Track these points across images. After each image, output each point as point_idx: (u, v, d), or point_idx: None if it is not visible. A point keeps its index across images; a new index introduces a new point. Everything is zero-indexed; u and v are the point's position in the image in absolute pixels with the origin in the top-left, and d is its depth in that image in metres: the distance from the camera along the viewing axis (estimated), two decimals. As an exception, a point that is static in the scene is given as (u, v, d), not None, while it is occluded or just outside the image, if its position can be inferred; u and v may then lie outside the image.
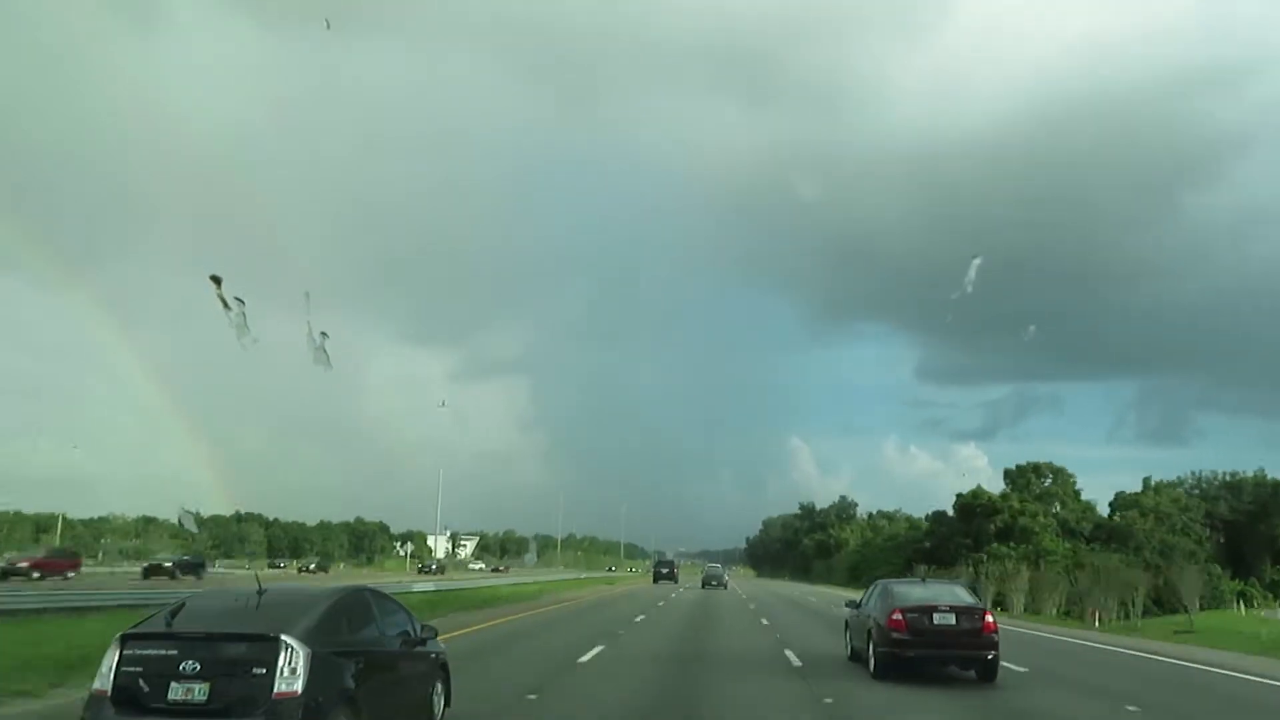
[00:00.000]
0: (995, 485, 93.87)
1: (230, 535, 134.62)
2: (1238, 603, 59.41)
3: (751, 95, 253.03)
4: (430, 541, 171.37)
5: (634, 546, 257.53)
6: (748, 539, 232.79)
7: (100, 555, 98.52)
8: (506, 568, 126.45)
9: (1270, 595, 70.81)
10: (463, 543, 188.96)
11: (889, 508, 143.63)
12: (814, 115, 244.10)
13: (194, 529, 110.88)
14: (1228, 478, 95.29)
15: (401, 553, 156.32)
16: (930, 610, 14.82)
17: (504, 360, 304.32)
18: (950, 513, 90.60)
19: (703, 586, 62.60)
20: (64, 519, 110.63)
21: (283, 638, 7.29)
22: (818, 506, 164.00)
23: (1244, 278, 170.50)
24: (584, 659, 17.18)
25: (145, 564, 58.31)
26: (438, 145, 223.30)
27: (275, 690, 7.12)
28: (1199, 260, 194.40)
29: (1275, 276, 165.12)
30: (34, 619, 21.08)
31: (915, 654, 14.68)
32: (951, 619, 14.74)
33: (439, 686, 10.11)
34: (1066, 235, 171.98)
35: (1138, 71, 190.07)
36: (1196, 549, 76.02)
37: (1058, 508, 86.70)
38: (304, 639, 7.40)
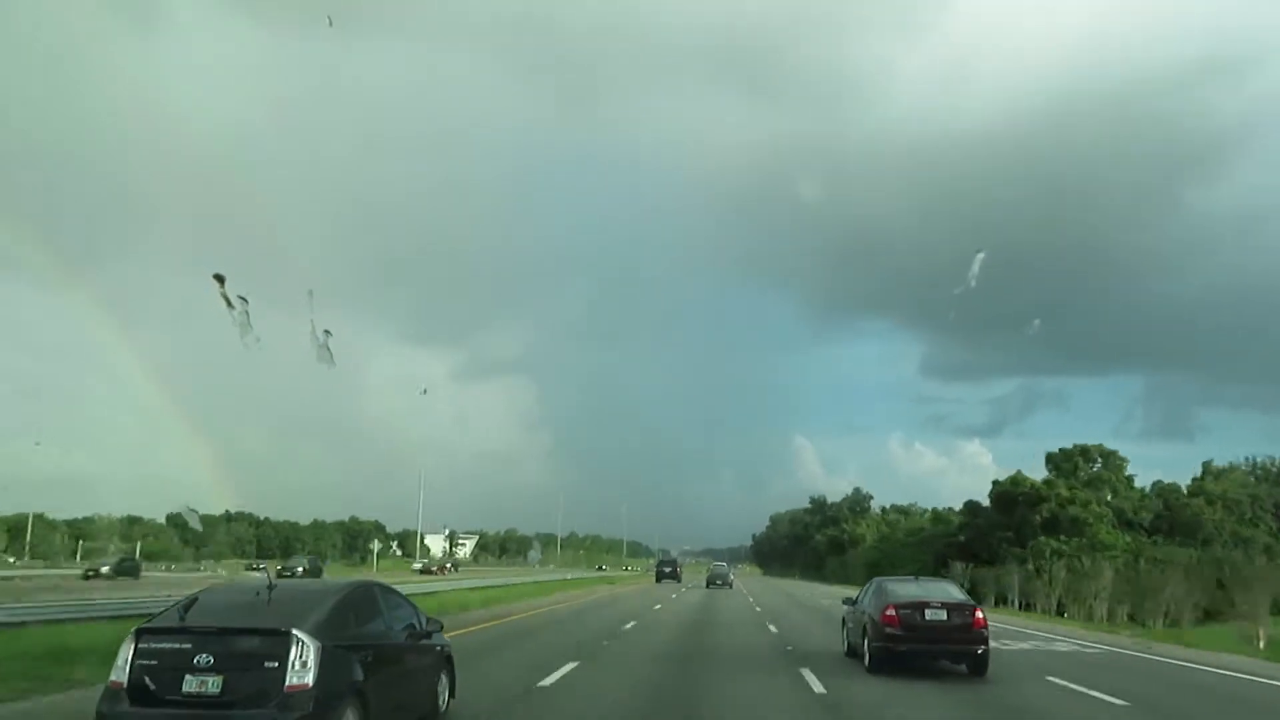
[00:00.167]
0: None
1: (218, 535, 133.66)
2: None
3: (751, 92, 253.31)
4: (427, 541, 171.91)
5: (637, 545, 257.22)
6: (754, 536, 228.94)
7: (77, 557, 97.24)
8: (444, 568, 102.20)
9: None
10: (461, 542, 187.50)
11: (896, 504, 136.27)
12: (814, 111, 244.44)
13: (198, 526, 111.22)
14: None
15: (398, 552, 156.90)
16: (922, 606, 15.33)
17: (505, 360, 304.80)
18: (985, 503, 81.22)
19: (707, 586, 60.91)
20: (36, 519, 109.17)
21: (294, 632, 7.55)
22: (829, 500, 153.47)
23: (1247, 272, 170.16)
24: (547, 681, 13.69)
25: (86, 567, 63.56)
26: (437, 145, 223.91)
27: (287, 683, 7.38)
28: (1202, 254, 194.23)
29: (1278, 271, 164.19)
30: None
31: (908, 648, 15.18)
32: (943, 615, 15.25)
33: (444, 679, 10.42)
34: (1069, 229, 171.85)
35: (1139, 64, 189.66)
36: (1273, 542, 68.69)
37: (1109, 496, 76.82)
38: (314, 633, 7.67)
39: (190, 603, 8.33)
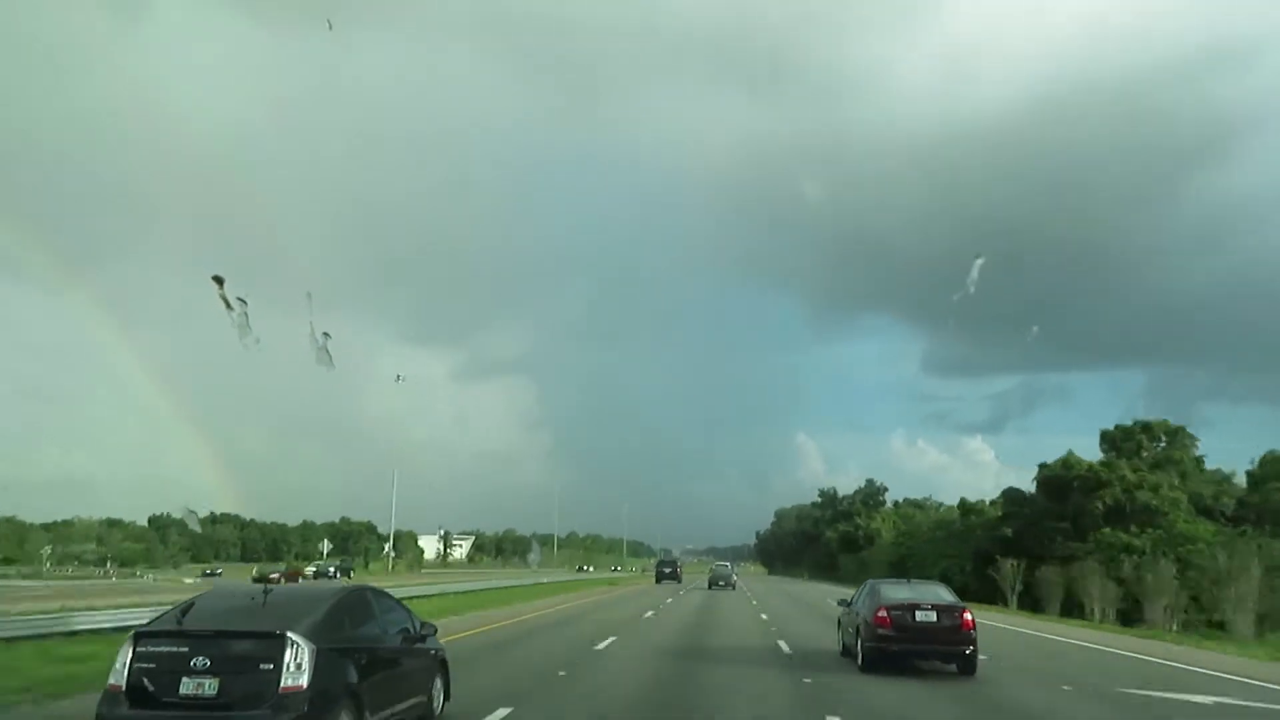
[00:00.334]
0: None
1: (202, 538, 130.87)
2: None
3: (751, 88, 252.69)
4: (421, 542, 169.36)
5: (639, 544, 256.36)
6: (757, 533, 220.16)
7: (46, 562, 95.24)
8: (339, 572, 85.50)
9: None
10: (456, 543, 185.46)
11: (909, 498, 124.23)
12: (814, 106, 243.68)
13: (197, 528, 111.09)
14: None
15: (391, 553, 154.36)
16: (913, 608, 15.75)
17: (505, 360, 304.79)
18: (1028, 490, 70.86)
19: (709, 587, 58.78)
20: (4, 522, 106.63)
21: (288, 635, 7.74)
22: (840, 493, 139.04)
23: (1251, 264, 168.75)
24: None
25: None
26: (436, 144, 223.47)
27: (282, 685, 7.57)
28: (1206, 247, 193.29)
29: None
30: None
31: (899, 648, 15.65)
32: (933, 616, 15.68)
33: (439, 682, 10.60)
34: (1071, 223, 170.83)
35: (1139, 55, 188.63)
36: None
37: (1177, 479, 65.38)
38: (309, 635, 7.86)
39: (188, 606, 8.53)
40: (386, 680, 9.15)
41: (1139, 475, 61.79)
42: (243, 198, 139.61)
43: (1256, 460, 65.17)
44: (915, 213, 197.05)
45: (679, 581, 69.67)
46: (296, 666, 7.63)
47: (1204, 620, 38.91)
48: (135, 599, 33.67)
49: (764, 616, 32.07)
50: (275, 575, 70.06)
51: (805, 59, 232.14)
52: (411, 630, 10.06)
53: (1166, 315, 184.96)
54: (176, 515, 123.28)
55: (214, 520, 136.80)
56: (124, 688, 7.67)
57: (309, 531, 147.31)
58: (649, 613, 32.86)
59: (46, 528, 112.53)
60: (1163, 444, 69.29)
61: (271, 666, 7.61)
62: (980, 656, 16.09)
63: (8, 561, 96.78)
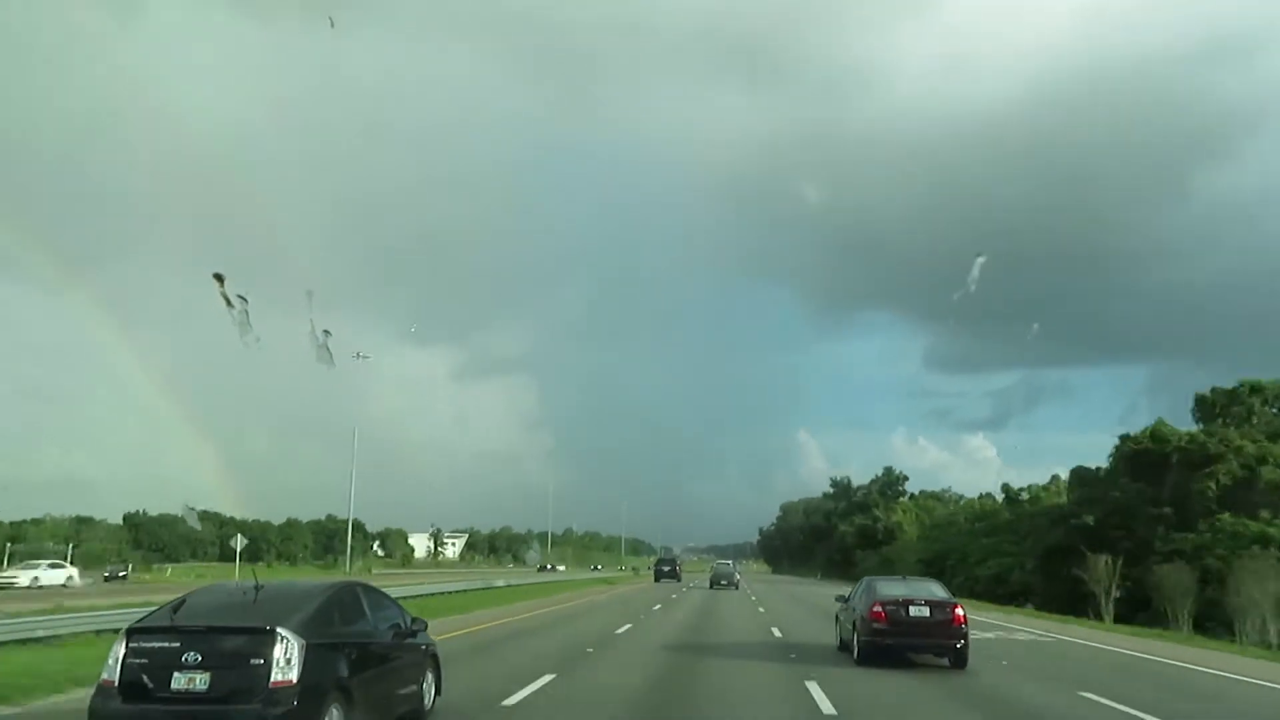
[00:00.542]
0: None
1: (175, 535, 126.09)
2: None
3: (751, 84, 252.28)
4: (411, 540, 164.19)
5: (640, 542, 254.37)
6: (760, 530, 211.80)
7: (4, 562, 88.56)
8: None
9: None
10: (448, 541, 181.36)
11: (925, 490, 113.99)
12: (814, 101, 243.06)
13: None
14: None
15: (379, 552, 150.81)
16: (907, 604, 16.20)
17: (505, 359, 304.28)
18: (1104, 469, 58.12)
19: (711, 587, 55.52)
20: None
21: (278, 630, 7.86)
22: (854, 483, 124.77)
23: (1255, 258, 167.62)
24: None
25: None
26: (434, 141, 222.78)
27: (272, 679, 7.68)
28: (1209, 241, 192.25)
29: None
30: None
31: (893, 642, 16.08)
32: (926, 612, 16.11)
33: (430, 677, 10.71)
34: (1072, 217, 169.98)
35: (1142, 46, 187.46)
36: None
37: None
38: (298, 631, 7.97)
39: (180, 603, 8.67)
40: (377, 675, 9.26)
41: (1259, 446, 49.75)
42: (242, 197, 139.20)
43: None
44: (915, 208, 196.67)
45: (678, 580, 68.35)
46: (286, 661, 7.75)
47: None
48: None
49: (777, 633, 23.71)
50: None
51: (805, 54, 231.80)
52: (402, 626, 10.17)
53: (1171, 309, 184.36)
54: (153, 513, 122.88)
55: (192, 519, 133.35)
56: (116, 683, 7.79)
57: (292, 530, 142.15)
58: (625, 626, 24.85)
59: (14, 525, 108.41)
60: (1276, 410, 56.52)
61: (262, 661, 7.72)
62: None
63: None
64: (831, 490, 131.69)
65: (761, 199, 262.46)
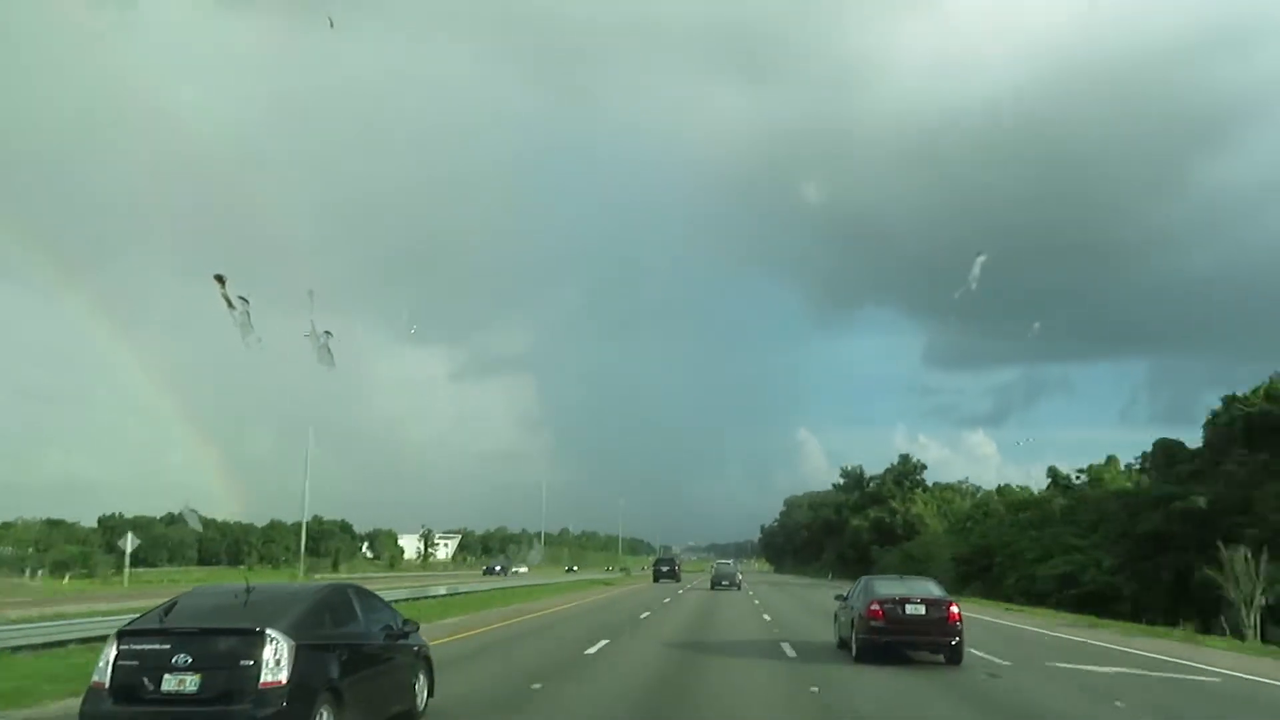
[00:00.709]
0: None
1: (152, 539, 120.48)
2: None
3: (750, 77, 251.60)
4: (401, 541, 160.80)
5: (639, 542, 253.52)
6: (762, 527, 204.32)
7: None
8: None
9: None
10: (438, 542, 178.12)
11: (939, 482, 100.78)
12: (814, 94, 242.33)
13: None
14: None
15: (368, 554, 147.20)
16: (904, 602, 16.54)
17: (504, 357, 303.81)
18: (1197, 440, 47.73)
19: (711, 587, 53.33)
20: None
21: (268, 631, 7.89)
22: (866, 472, 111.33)
23: (1256, 249, 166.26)
24: None
25: None
26: (431, 139, 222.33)
27: (262, 680, 7.72)
28: (1210, 232, 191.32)
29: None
30: None
31: (890, 639, 16.40)
32: (922, 609, 16.42)
33: (422, 677, 10.71)
34: (1074, 209, 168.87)
35: (1142, 37, 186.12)
36: None
37: None
38: (288, 632, 8.00)
39: (171, 605, 8.69)
40: (368, 676, 9.29)
41: None
42: (241, 197, 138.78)
43: None
44: (915, 201, 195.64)
45: (677, 581, 66.95)
46: (276, 662, 7.78)
47: None
48: None
49: (789, 652, 18.54)
50: None
51: (805, 48, 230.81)
52: (394, 627, 10.19)
53: (1172, 302, 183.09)
54: (126, 517, 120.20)
55: (170, 521, 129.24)
56: (107, 685, 7.82)
57: (275, 532, 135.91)
58: (596, 646, 19.02)
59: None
60: None
61: (252, 663, 7.75)
62: None
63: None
64: (842, 481, 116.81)
65: (761, 194, 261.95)
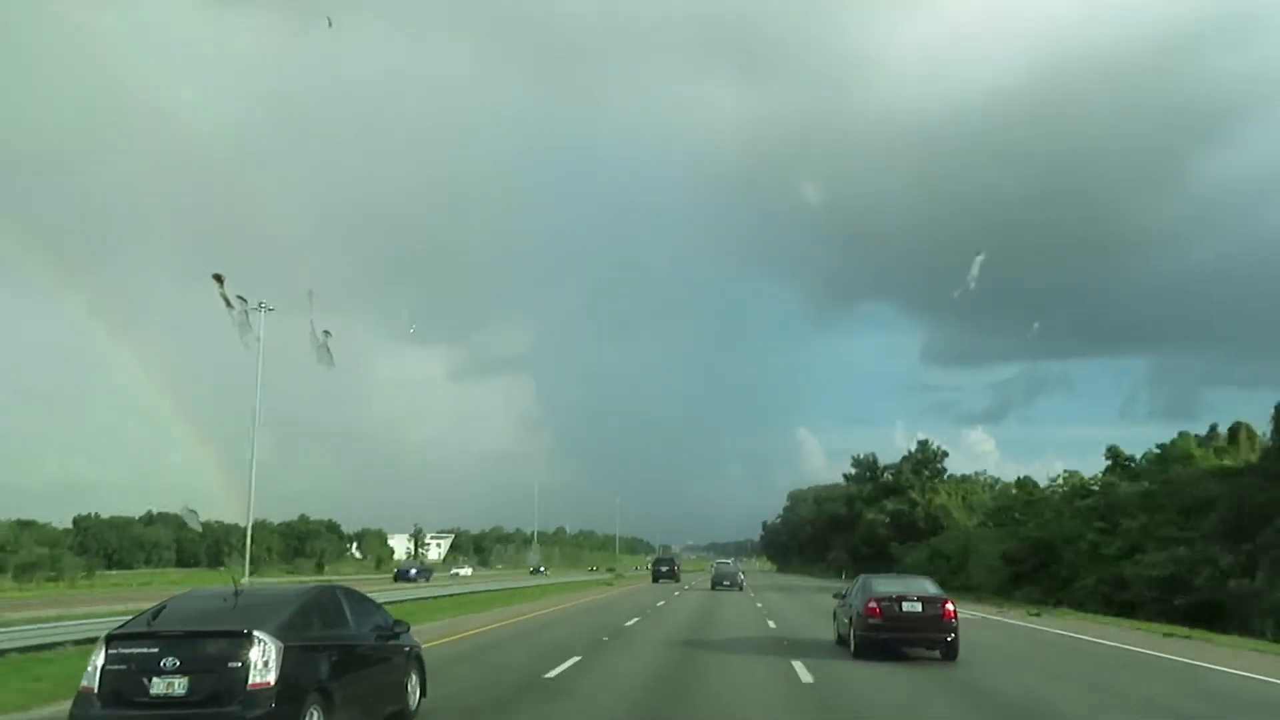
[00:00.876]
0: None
1: (128, 540, 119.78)
2: None
3: (749, 73, 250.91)
4: (390, 542, 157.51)
5: (638, 541, 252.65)
6: (764, 524, 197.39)
7: None
8: None
9: None
10: (430, 542, 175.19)
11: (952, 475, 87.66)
12: (812, 91, 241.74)
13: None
14: None
15: (357, 554, 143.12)
16: (900, 599, 16.97)
17: (502, 357, 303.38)
18: None
19: (712, 587, 51.42)
20: None
21: (255, 633, 7.90)
22: (880, 460, 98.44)
23: (1257, 245, 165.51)
24: None
25: None
26: (429, 139, 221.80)
27: (250, 682, 7.72)
28: (1209, 229, 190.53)
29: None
30: None
31: (887, 636, 16.82)
32: (918, 607, 16.84)
33: (414, 678, 10.72)
34: (1072, 205, 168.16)
35: (1141, 29, 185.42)
36: None
37: None
38: (276, 634, 8.01)
39: (159, 608, 8.70)
40: (359, 676, 9.30)
41: None
42: (239, 197, 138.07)
43: None
44: (914, 198, 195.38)
45: (677, 581, 66.37)
46: (264, 664, 7.79)
47: None
48: None
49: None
50: None
51: (803, 44, 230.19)
52: (385, 628, 10.20)
53: (1172, 298, 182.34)
54: (103, 517, 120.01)
55: (148, 521, 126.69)
56: (96, 690, 7.82)
57: (257, 532, 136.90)
58: (558, 668, 15.17)
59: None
60: None
61: (240, 665, 7.76)
62: None
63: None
64: (853, 471, 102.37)
65: (760, 192, 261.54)
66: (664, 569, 70.11)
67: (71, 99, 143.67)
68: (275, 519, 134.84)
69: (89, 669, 7.95)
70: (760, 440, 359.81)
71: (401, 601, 32.15)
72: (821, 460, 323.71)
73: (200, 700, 7.69)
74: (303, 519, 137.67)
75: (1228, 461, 44.00)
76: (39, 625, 20.37)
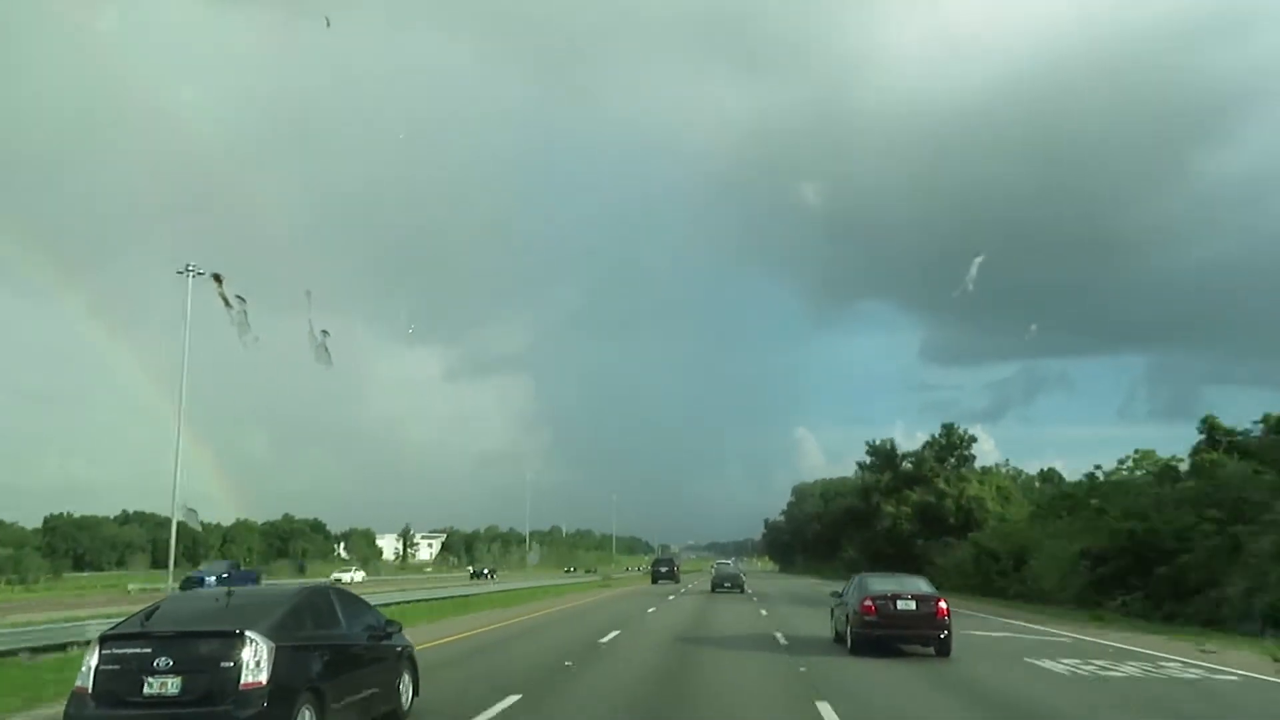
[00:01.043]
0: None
1: (99, 540, 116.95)
2: None
3: (747, 70, 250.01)
4: (379, 541, 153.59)
5: (636, 540, 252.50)
6: (766, 521, 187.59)
7: None
8: None
9: None
10: (419, 541, 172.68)
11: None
12: (811, 87, 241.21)
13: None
14: None
15: (344, 555, 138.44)
16: (895, 598, 17.51)
17: (499, 356, 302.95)
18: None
19: (712, 590, 48.69)
20: None
21: (247, 633, 8.00)
22: (901, 448, 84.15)
23: (1258, 242, 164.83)
24: None
25: None
26: (427, 137, 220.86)
27: (242, 681, 7.83)
28: (1209, 225, 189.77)
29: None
30: None
31: (882, 633, 17.38)
32: (912, 605, 17.41)
33: (406, 677, 10.81)
34: (1072, 202, 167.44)
35: (1139, 23, 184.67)
36: None
37: None
38: (268, 634, 8.11)
39: (153, 609, 8.83)
40: (351, 676, 9.39)
41: None
42: (235, 195, 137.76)
43: None
44: (912, 197, 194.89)
45: (676, 582, 65.40)
46: (256, 664, 7.89)
47: None
48: None
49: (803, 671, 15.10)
50: None
51: (801, 40, 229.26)
52: (377, 628, 10.29)
53: (1172, 296, 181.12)
54: (74, 516, 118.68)
55: (124, 520, 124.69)
56: (90, 690, 7.93)
57: (236, 531, 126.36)
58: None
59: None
60: None
61: (232, 664, 7.86)
62: None
63: None
64: (869, 460, 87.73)
65: (759, 189, 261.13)
66: (663, 570, 69.82)
67: (72, 99, 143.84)
68: (269, 518, 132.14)
69: (83, 669, 8.07)
70: (760, 439, 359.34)
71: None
72: (820, 459, 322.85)
73: (193, 700, 7.79)
74: (287, 518, 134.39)
75: None
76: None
